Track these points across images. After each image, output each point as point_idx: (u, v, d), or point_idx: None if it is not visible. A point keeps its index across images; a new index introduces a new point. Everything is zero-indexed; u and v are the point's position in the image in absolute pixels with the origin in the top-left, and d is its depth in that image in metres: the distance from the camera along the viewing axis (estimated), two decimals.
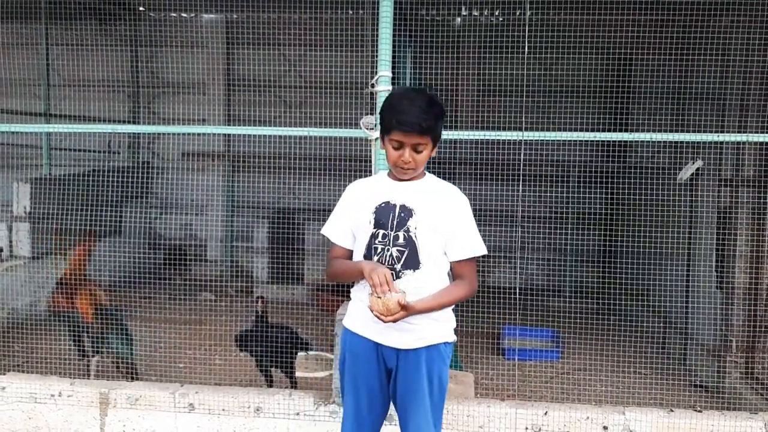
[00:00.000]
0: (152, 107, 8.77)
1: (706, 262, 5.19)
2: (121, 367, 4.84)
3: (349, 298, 3.00)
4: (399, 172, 2.79)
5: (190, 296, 5.96)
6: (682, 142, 5.25)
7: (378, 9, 3.77)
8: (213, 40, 8.45)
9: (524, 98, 4.11)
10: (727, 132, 4.89)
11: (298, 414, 4.06)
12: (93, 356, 4.89)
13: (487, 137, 3.89)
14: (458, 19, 7.51)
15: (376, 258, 2.77)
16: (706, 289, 5.13)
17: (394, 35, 3.81)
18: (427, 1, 6.48)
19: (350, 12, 6.79)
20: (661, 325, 5.84)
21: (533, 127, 5.19)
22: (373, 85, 3.78)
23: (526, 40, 4.00)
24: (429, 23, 6.75)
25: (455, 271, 2.85)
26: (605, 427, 3.92)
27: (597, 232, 7.64)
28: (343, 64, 5.58)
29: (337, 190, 6.71)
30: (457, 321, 2.91)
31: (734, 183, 5.03)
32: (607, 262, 6.44)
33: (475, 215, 2.82)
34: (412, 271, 2.76)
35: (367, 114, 3.86)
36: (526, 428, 3.95)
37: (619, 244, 6.09)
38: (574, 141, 6.98)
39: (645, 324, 5.78)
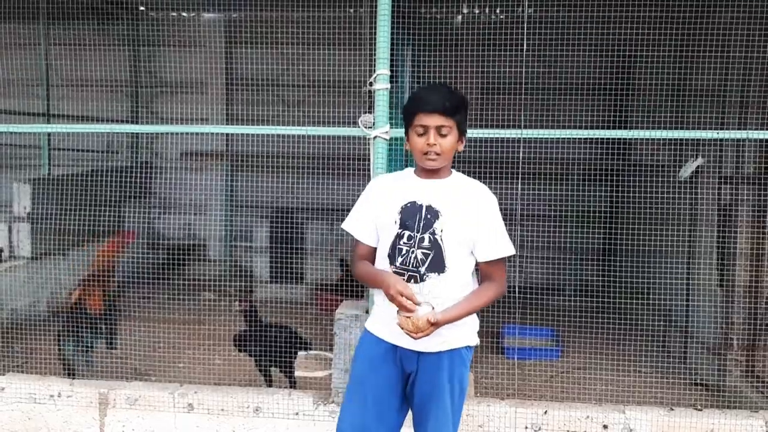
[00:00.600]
0: (152, 107, 8.77)
1: (706, 259, 5.17)
2: (66, 364, 4.82)
3: (347, 297, 2.99)
4: (425, 162, 2.73)
5: (190, 296, 5.94)
6: (682, 140, 5.23)
7: (376, 6, 3.76)
8: (213, 39, 8.44)
9: (523, 96, 4.10)
10: (728, 129, 4.87)
11: (297, 414, 4.06)
12: (89, 350, 4.88)
13: (485, 135, 3.88)
14: (459, 17, 7.50)
15: (400, 259, 2.73)
16: (707, 287, 5.11)
17: (393, 33, 3.80)
18: None
19: (351, 10, 6.78)
20: (662, 323, 5.82)
21: (533, 125, 5.19)
22: (371, 84, 3.77)
23: (524, 36, 3.98)
24: (429, 21, 6.74)
25: (483, 272, 2.82)
26: (605, 426, 3.91)
27: (597, 230, 7.63)
28: (342, 63, 5.57)
29: (337, 189, 6.72)
30: None
31: (735, 180, 5.01)
32: (607, 260, 6.41)
33: None
34: (436, 274, 2.72)
35: (365, 112, 3.85)
36: (526, 427, 3.94)
37: (619, 242, 6.08)
38: (574, 138, 6.96)
39: (645, 322, 5.76)
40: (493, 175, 4.57)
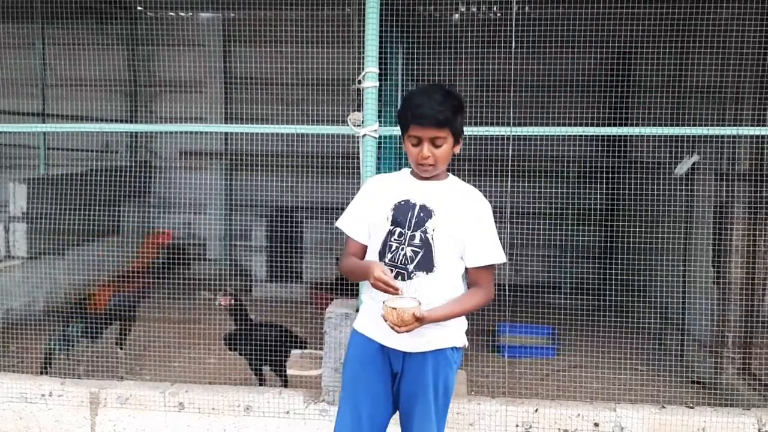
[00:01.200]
0: (150, 106, 8.76)
1: (702, 257, 5.15)
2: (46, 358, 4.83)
3: (341, 295, 2.97)
4: (420, 170, 2.74)
5: (187, 295, 5.93)
6: (679, 137, 5.20)
7: (364, 5, 3.75)
8: (210, 39, 8.43)
9: (512, 93, 4.07)
10: (723, 126, 4.85)
11: (287, 412, 4.05)
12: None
13: (474, 133, 3.86)
14: (456, 16, 7.47)
15: (389, 255, 2.72)
16: (703, 285, 5.09)
17: (384, 31, 3.79)
18: None
19: (343, 9, 6.76)
20: (658, 320, 5.80)
21: (529, 122, 5.17)
22: (359, 82, 3.76)
23: (514, 32, 3.97)
24: (420, 18, 6.72)
25: (471, 278, 2.81)
26: (596, 424, 3.90)
27: (593, 228, 7.60)
28: (333, 61, 5.55)
29: (334, 187, 6.71)
30: None
31: (730, 177, 4.99)
32: (603, 258, 6.39)
33: None
34: (424, 273, 2.71)
35: (354, 110, 3.84)
36: (517, 425, 3.93)
37: (615, 239, 6.05)
38: (569, 136, 6.93)
39: (641, 320, 5.74)
40: (486, 173, 4.56)
